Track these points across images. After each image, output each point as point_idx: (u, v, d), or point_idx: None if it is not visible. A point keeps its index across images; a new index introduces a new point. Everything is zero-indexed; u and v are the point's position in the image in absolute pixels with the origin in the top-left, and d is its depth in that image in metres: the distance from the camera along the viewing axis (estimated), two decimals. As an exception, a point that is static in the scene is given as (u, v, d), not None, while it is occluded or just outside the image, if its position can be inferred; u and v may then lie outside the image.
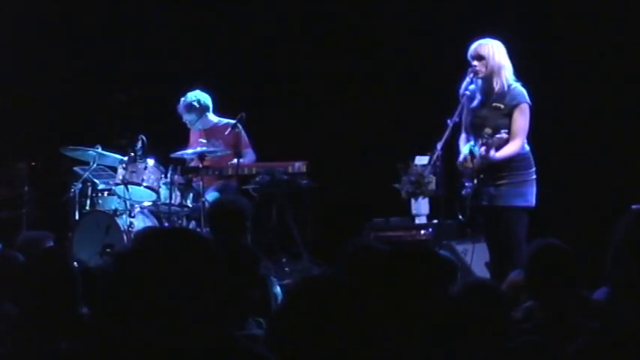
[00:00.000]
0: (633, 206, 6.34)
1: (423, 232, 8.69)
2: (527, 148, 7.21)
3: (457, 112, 7.29)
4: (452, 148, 7.42)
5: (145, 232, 4.06)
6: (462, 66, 7.37)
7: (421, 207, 8.74)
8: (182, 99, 9.31)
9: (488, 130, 7.06)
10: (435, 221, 8.22)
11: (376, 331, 3.14)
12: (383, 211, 8.90)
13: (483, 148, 7.05)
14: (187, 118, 9.33)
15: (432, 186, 7.64)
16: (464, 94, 7.32)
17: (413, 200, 8.51)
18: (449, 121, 7.28)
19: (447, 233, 8.09)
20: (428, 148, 7.48)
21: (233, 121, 9.06)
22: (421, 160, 7.80)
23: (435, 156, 7.36)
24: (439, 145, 7.31)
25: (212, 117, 9.39)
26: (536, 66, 8.36)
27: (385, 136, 9.72)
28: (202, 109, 9.31)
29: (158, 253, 2.65)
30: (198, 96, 9.30)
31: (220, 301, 2.68)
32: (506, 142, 7.09)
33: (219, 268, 2.71)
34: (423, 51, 9.66)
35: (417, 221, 8.84)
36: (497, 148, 7.06)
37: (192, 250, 2.66)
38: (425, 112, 8.81)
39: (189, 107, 9.29)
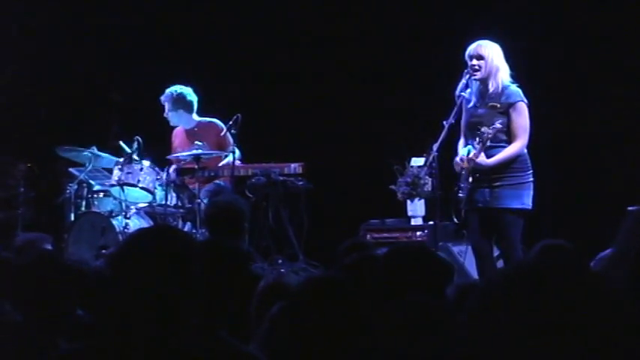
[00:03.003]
0: (630, 208, 6.33)
1: (419, 233, 8.68)
2: (524, 150, 7.20)
3: (453, 114, 7.29)
4: (448, 149, 7.42)
5: (132, 232, 4.08)
6: (458, 67, 7.38)
7: (417, 208, 8.73)
8: (168, 90, 9.26)
9: (484, 129, 7.05)
10: (431, 223, 8.21)
11: (376, 332, 3.14)
12: (379, 212, 8.89)
13: (472, 153, 7.05)
14: (169, 111, 9.28)
15: (428, 187, 7.64)
16: (460, 96, 7.32)
17: (409, 201, 8.51)
18: (445, 122, 7.29)
19: (443, 235, 8.08)
20: (424, 150, 7.48)
21: (216, 120, 9.09)
22: (417, 161, 7.80)
23: (431, 157, 7.37)
24: (435, 147, 7.31)
25: (194, 117, 9.38)
26: (532, 68, 8.36)
27: (381, 138, 9.71)
28: (186, 108, 9.28)
29: (142, 252, 2.65)
30: (184, 93, 9.26)
31: (208, 301, 2.67)
32: (500, 131, 7.08)
33: (204, 266, 2.71)
34: (419, 52, 9.66)
35: (413, 222, 8.83)
36: (492, 140, 7.04)
37: (175, 247, 2.66)
38: (421, 113, 8.81)
39: (175, 101, 9.23)
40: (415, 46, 9.74)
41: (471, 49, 7.23)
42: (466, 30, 7.95)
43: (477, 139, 7.05)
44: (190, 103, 9.28)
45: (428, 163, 7.44)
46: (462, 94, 7.31)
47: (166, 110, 9.30)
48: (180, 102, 9.26)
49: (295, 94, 10.27)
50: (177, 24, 10.54)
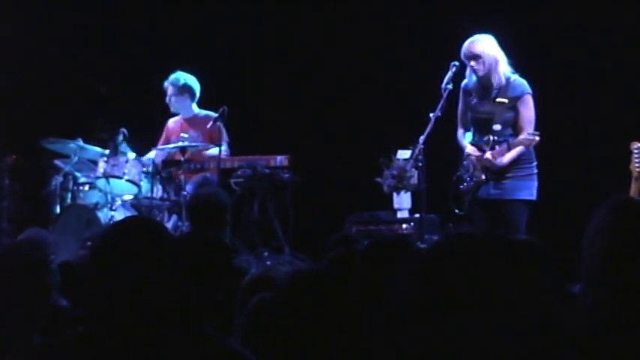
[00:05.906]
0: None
1: (405, 226, 8.68)
2: None
3: (440, 106, 7.30)
4: (434, 142, 7.42)
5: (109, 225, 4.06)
6: (444, 59, 7.37)
7: (403, 201, 8.73)
8: (175, 75, 9.26)
9: (497, 127, 7.09)
10: (417, 215, 8.21)
11: (360, 326, 3.13)
12: (365, 205, 8.89)
13: (489, 154, 7.07)
14: (173, 96, 9.26)
15: (414, 180, 7.64)
16: (446, 88, 7.32)
17: (395, 194, 8.51)
18: (431, 115, 7.29)
19: (428, 227, 8.09)
20: (410, 142, 7.48)
21: (213, 114, 9.04)
22: (403, 154, 7.79)
23: (418, 150, 7.37)
24: (421, 139, 7.32)
25: (194, 107, 9.36)
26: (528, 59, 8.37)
27: (368, 130, 9.71)
28: (191, 96, 9.27)
29: (117, 244, 2.64)
30: (191, 81, 9.26)
31: (189, 294, 2.66)
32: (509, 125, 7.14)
33: (185, 258, 2.70)
34: (406, 45, 9.65)
35: (399, 215, 8.83)
36: (498, 135, 7.10)
37: (150, 239, 2.66)
38: (407, 106, 8.81)
39: (182, 88, 9.23)
40: (401, 38, 9.73)
41: (465, 49, 7.21)
42: (453, 20, 7.96)
43: (495, 138, 7.07)
44: (195, 91, 9.28)
45: (414, 156, 7.45)
46: (448, 86, 7.31)
47: (169, 94, 9.27)
48: (187, 89, 9.25)
49: (282, 87, 10.26)
50: (164, 16, 10.51)
